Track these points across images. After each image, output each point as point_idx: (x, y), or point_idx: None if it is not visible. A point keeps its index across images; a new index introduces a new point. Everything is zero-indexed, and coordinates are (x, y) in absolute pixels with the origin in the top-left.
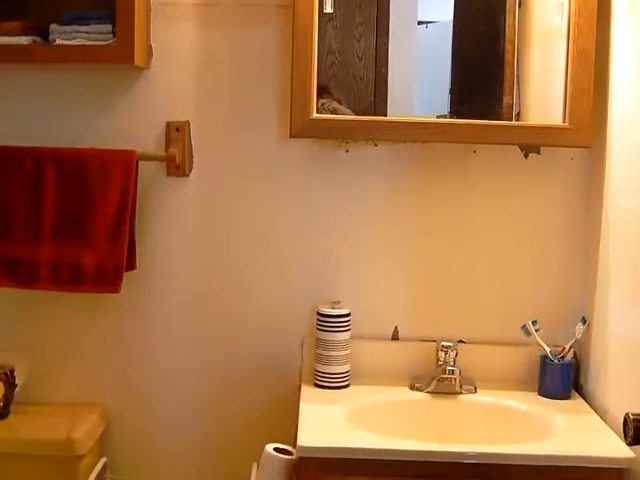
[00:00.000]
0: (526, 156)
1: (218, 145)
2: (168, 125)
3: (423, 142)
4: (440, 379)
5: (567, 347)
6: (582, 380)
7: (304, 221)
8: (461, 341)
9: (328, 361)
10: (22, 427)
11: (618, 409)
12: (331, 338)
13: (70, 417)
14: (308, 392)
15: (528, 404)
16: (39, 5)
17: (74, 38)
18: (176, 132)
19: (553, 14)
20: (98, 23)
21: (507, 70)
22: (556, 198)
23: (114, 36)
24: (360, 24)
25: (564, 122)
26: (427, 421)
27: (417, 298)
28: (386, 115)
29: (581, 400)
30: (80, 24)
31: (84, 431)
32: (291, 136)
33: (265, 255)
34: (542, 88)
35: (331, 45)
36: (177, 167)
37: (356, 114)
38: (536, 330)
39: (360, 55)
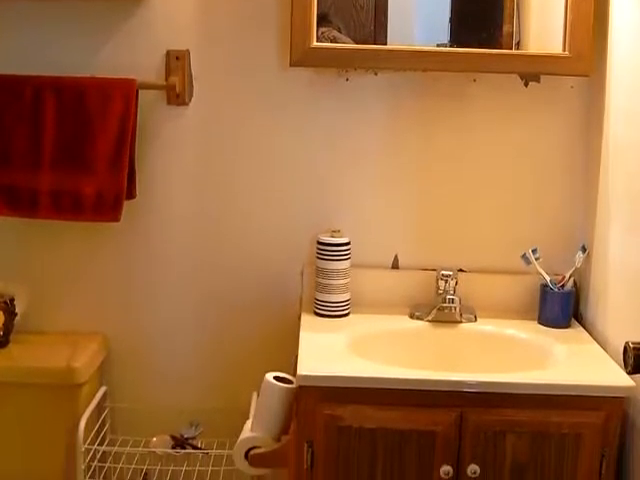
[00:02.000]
0: (526, 85)
1: (218, 74)
2: (168, 54)
3: (423, 71)
4: (440, 308)
5: (567, 276)
6: (582, 309)
7: (304, 150)
8: (461, 270)
9: (328, 290)
10: (22, 356)
11: (618, 338)
12: (331, 267)
13: (70, 346)
14: (308, 321)
15: (528, 333)
16: None
17: None
18: (176, 61)
19: None
20: None
21: None
22: (556, 126)
23: None
24: None
25: (564, 51)
26: (427, 350)
27: (417, 226)
28: (386, 44)
29: (581, 329)
30: None
31: (84, 360)
32: (291, 65)
33: (265, 184)
34: (542, 16)
35: None
36: (177, 96)
37: (356, 43)
38: (536, 259)
39: None
